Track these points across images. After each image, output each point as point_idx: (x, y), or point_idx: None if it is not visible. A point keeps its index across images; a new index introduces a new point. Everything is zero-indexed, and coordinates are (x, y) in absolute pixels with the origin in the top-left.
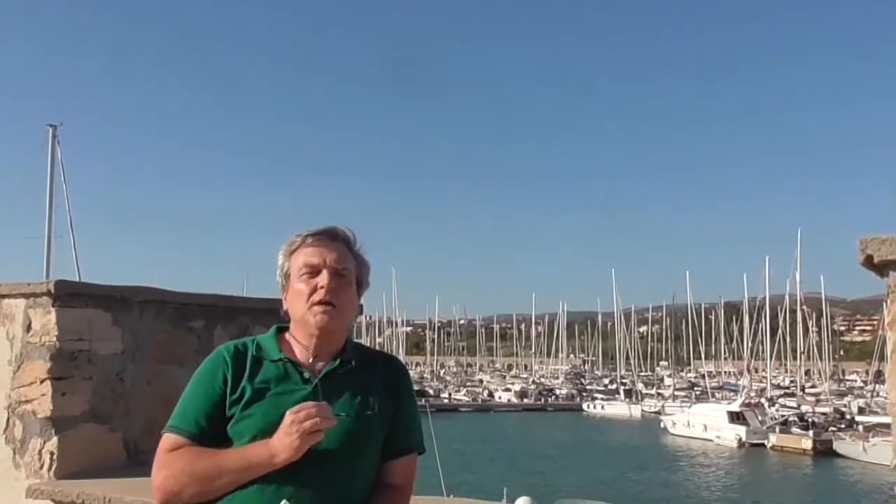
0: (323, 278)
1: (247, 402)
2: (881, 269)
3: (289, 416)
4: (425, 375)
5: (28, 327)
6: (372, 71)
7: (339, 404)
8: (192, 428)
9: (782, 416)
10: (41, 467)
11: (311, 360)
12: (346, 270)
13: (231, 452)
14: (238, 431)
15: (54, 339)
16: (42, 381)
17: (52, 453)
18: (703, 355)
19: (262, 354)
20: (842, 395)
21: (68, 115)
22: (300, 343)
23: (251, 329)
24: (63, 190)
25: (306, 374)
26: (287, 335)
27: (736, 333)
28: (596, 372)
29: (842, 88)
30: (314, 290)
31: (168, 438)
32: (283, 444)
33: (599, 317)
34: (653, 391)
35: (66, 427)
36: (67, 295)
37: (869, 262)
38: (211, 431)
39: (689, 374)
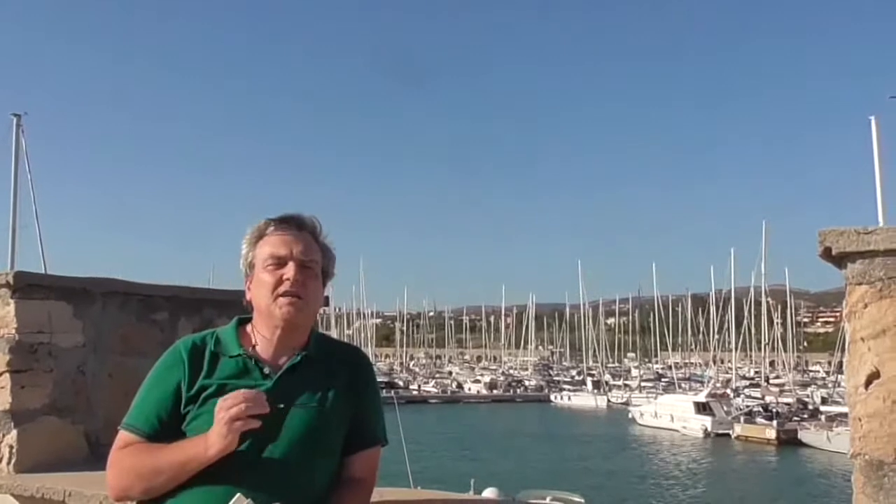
0: (289, 270)
1: (203, 400)
2: (839, 260)
3: (218, 405)
4: (395, 367)
5: None
6: (351, 60)
7: (300, 399)
8: (146, 426)
9: (747, 406)
10: (0, 461)
11: (272, 354)
12: (313, 262)
13: (169, 448)
14: (194, 429)
15: (13, 331)
16: (1, 374)
17: (11, 447)
18: (669, 347)
19: (221, 349)
20: (805, 385)
21: (37, 105)
22: (262, 335)
23: (215, 321)
24: (28, 180)
25: (266, 370)
26: (248, 327)
27: (702, 325)
28: (564, 363)
29: (807, 81)
30: (280, 281)
31: (121, 436)
32: (215, 436)
33: (567, 309)
34: (620, 382)
35: (26, 420)
36: (27, 286)
37: (827, 254)
38: (166, 429)
39: (656, 366)
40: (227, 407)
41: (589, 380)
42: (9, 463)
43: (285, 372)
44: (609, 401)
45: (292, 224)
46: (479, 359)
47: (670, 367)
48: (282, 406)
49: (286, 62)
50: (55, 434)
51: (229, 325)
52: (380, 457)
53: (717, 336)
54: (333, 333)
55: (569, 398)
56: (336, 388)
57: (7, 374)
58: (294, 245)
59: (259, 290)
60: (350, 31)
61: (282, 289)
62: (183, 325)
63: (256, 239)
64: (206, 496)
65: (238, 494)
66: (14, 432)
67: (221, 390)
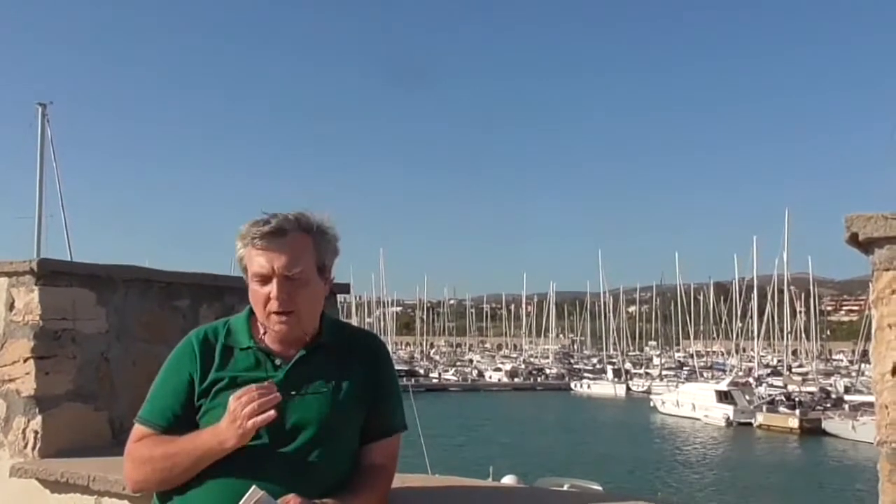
0: (273, 289)
1: (215, 393)
2: (866, 246)
3: (232, 403)
4: (415, 355)
5: (11, 306)
6: (367, 64)
7: (313, 389)
8: (160, 420)
9: (770, 395)
10: (25, 446)
11: (282, 346)
12: (300, 272)
13: (183, 440)
14: (207, 423)
15: (37, 317)
16: (25, 360)
17: (36, 432)
18: (691, 335)
19: (232, 341)
20: (828, 374)
21: (65, 96)
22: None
23: (237, 308)
24: (54, 169)
25: (277, 362)
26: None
27: (724, 313)
28: (584, 352)
29: (829, 71)
30: (268, 298)
31: (137, 429)
32: (230, 431)
33: (588, 297)
34: (641, 371)
35: (51, 406)
36: (51, 273)
37: (854, 240)
38: (180, 422)
39: (677, 354)
40: (243, 405)
41: (609, 368)
42: (34, 448)
43: (297, 362)
44: (629, 389)
45: (272, 235)
46: (499, 347)
47: (692, 356)
48: (294, 393)
49: (308, 70)
50: (79, 420)
51: (242, 314)
52: (400, 443)
53: (739, 324)
54: (354, 321)
55: (589, 386)
56: (350, 376)
57: (31, 361)
58: (276, 259)
59: (253, 300)
60: (366, 41)
61: (271, 307)
62: (205, 312)
63: (243, 245)
64: (221, 488)
65: (253, 487)
66: (39, 418)
67: (233, 383)
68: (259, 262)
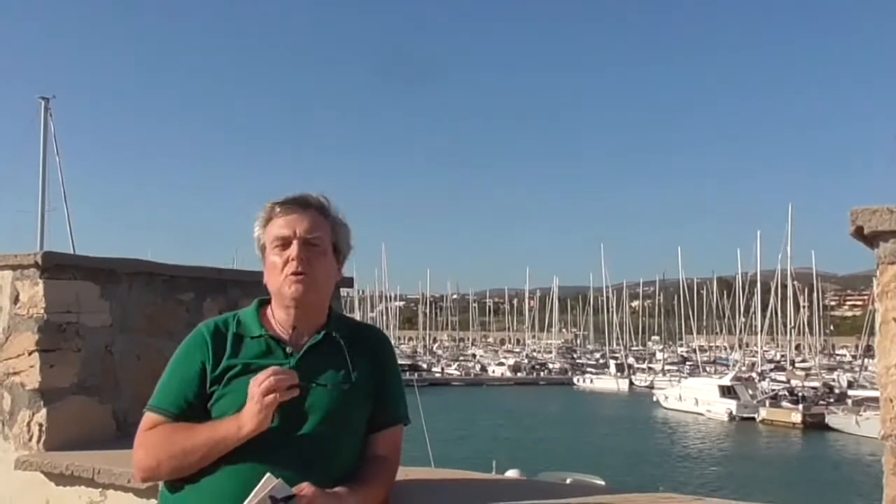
0: (293, 250)
1: (228, 380)
2: (871, 240)
3: (251, 384)
4: (418, 350)
5: (16, 299)
6: (368, 60)
7: (321, 378)
8: (172, 407)
9: (773, 390)
10: (30, 439)
11: (291, 333)
12: (319, 239)
13: (201, 428)
14: (219, 409)
15: (42, 311)
16: (30, 353)
17: (41, 425)
18: (694, 330)
19: (243, 331)
20: (831, 369)
21: (68, 90)
22: (281, 316)
23: (241, 302)
24: (56, 164)
25: (288, 349)
26: (269, 309)
27: (728, 308)
28: (588, 346)
29: (834, 66)
30: (286, 262)
31: (148, 417)
32: (248, 414)
33: (591, 291)
34: (644, 365)
35: (55, 399)
36: (55, 267)
37: (859, 234)
38: (191, 410)
39: (680, 349)
40: (260, 383)
41: (612, 363)
42: (38, 441)
43: (307, 351)
44: (632, 384)
45: (296, 204)
46: (502, 342)
47: (695, 351)
48: (308, 384)
49: (311, 66)
50: (83, 413)
51: (250, 306)
52: (402, 436)
53: (742, 319)
54: (357, 316)
55: (592, 381)
56: (357, 367)
57: (36, 354)
58: (298, 224)
59: (270, 272)
60: (366, 38)
61: (288, 269)
62: (208, 306)
63: (264, 222)
64: (234, 476)
65: (268, 474)
66: (43, 411)
67: (246, 370)
68: (281, 227)
